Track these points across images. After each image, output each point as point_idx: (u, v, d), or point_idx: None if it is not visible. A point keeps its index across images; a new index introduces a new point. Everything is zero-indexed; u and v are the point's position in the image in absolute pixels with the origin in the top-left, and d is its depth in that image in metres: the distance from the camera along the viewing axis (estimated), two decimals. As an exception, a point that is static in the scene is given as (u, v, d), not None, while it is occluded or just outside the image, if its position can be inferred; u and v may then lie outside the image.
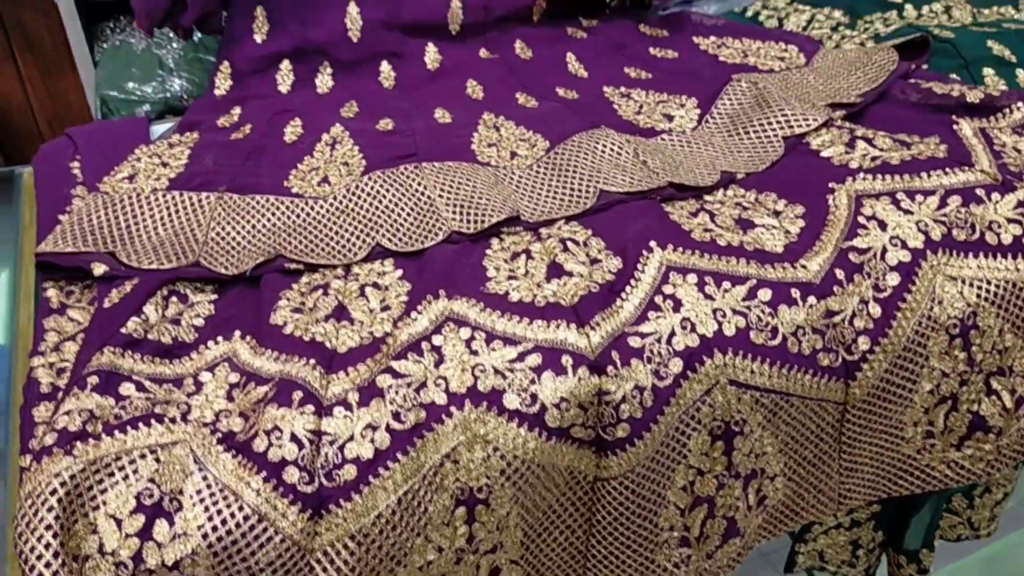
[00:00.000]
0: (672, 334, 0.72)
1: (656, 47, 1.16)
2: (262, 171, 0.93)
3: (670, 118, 1.01)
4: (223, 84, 1.11)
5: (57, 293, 0.80)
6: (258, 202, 0.88)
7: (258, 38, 1.10)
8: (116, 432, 0.65)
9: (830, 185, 0.86)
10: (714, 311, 0.74)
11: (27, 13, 1.94)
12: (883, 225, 0.80)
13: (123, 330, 0.73)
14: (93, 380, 0.68)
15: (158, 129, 1.05)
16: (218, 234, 0.84)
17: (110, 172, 0.93)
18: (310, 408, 0.67)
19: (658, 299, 0.74)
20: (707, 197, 0.88)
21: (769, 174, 0.91)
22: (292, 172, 0.93)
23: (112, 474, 0.63)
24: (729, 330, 0.73)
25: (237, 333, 0.76)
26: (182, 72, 1.66)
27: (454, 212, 0.84)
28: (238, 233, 0.85)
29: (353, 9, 1.09)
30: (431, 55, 1.12)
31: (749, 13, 1.24)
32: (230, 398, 0.70)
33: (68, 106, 2.06)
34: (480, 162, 0.93)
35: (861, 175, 0.86)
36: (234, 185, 0.91)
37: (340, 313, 0.76)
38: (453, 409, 0.68)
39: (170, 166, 0.94)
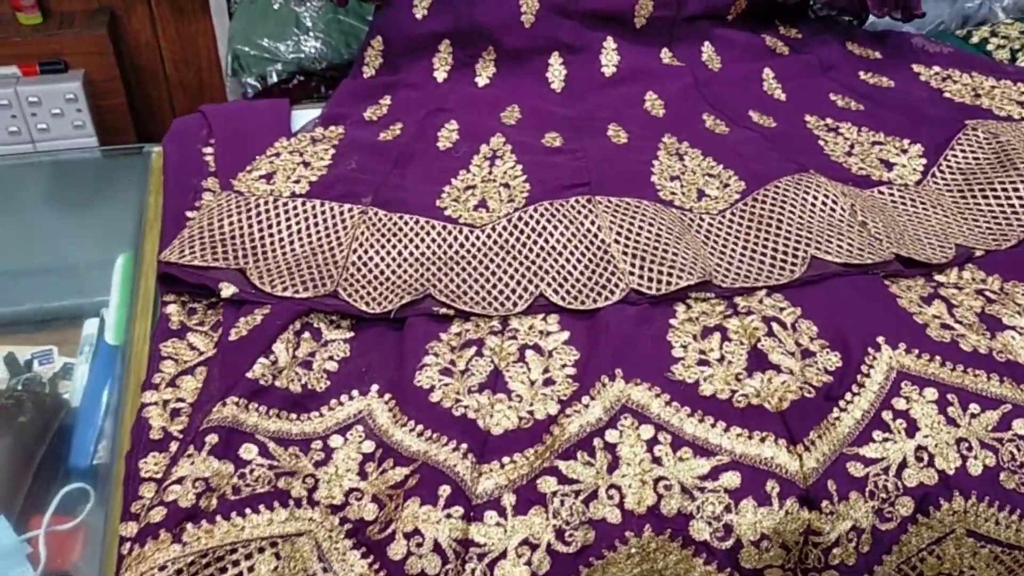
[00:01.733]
0: (903, 465, 0.59)
1: (868, 71, 1.00)
2: (410, 183, 0.82)
3: (889, 166, 0.85)
4: (373, 62, 0.99)
5: (178, 310, 0.71)
6: (407, 223, 0.76)
7: (418, 13, 0.97)
8: (233, 514, 0.55)
9: (1100, 284, 0.70)
10: (958, 441, 0.60)
11: (166, -50, 1.86)
12: None
13: (249, 374, 0.63)
14: (212, 439, 0.58)
15: (300, 115, 0.95)
16: (360, 258, 0.74)
17: (246, 167, 0.83)
18: (458, 511, 0.56)
19: (887, 415, 0.60)
20: (938, 277, 0.73)
21: (1015, 255, 0.75)
22: (445, 188, 0.82)
23: (224, 569, 0.53)
24: (975, 468, 0.59)
25: (375, 388, 0.65)
26: (319, 33, 1.56)
27: (633, 265, 0.71)
28: (383, 259, 0.74)
29: None
30: (608, 54, 0.98)
31: (975, 39, 1.07)
32: (363, 474, 0.60)
33: (196, 51, 1.98)
34: (662, 200, 0.80)
35: None
36: (380, 197, 0.79)
37: (496, 381, 0.64)
38: (628, 533, 0.56)
39: (312, 166, 0.83)
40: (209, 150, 0.86)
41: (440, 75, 0.97)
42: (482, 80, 0.98)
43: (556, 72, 0.97)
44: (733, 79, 0.98)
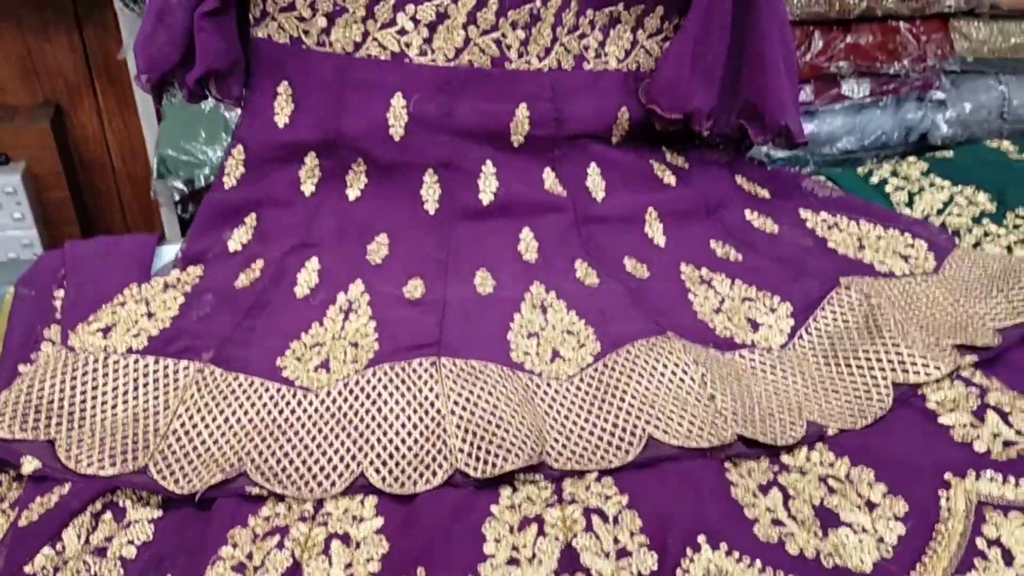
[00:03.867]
0: None
1: (754, 210, 0.98)
2: (257, 337, 0.79)
3: (756, 326, 0.82)
4: (234, 172, 0.94)
5: (-20, 483, 0.67)
6: (240, 385, 0.74)
7: (280, 121, 0.93)
8: None
9: (945, 476, 0.66)
10: None
11: (112, 44, 1.87)
12: (1009, 557, 0.61)
13: (28, 568, 0.60)
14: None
15: (168, 252, 0.93)
16: (183, 425, 0.71)
17: (88, 317, 0.80)
18: None
19: None
20: (785, 458, 0.70)
21: (868, 435, 0.72)
22: (292, 344, 0.79)
23: None
24: None
25: None
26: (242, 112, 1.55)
27: (464, 440, 0.68)
28: (207, 427, 0.71)
29: (398, 101, 0.91)
30: (486, 179, 0.94)
31: (875, 179, 1.04)
32: None
33: (144, 143, 1.98)
34: (513, 362, 0.77)
35: (988, 473, 0.66)
36: (222, 354, 0.77)
37: (292, 579, 0.61)
38: None
39: (156, 317, 0.81)
40: (60, 293, 0.84)
41: (308, 188, 0.93)
42: (353, 192, 0.93)
43: (430, 191, 0.93)
44: (615, 216, 0.95)
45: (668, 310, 0.84)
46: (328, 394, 0.73)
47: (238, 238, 0.91)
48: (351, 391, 0.73)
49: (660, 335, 0.78)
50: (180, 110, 1.59)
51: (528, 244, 0.93)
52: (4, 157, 1.84)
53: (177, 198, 1.63)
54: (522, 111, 0.93)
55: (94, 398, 0.72)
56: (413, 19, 0.89)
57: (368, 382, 0.73)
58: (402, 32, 0.90)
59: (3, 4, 1.81)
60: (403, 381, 0.73)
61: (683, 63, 0.94)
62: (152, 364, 0.75)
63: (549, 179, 0.96)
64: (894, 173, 1.04)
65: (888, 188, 1.02)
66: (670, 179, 1.00)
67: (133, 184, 2.08)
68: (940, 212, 0.97)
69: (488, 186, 0.94)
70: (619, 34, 0.96)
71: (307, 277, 0.87)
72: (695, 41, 0.93)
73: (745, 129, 0.99)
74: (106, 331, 0.79)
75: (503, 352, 0.78)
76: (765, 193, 1.00)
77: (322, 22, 0.89)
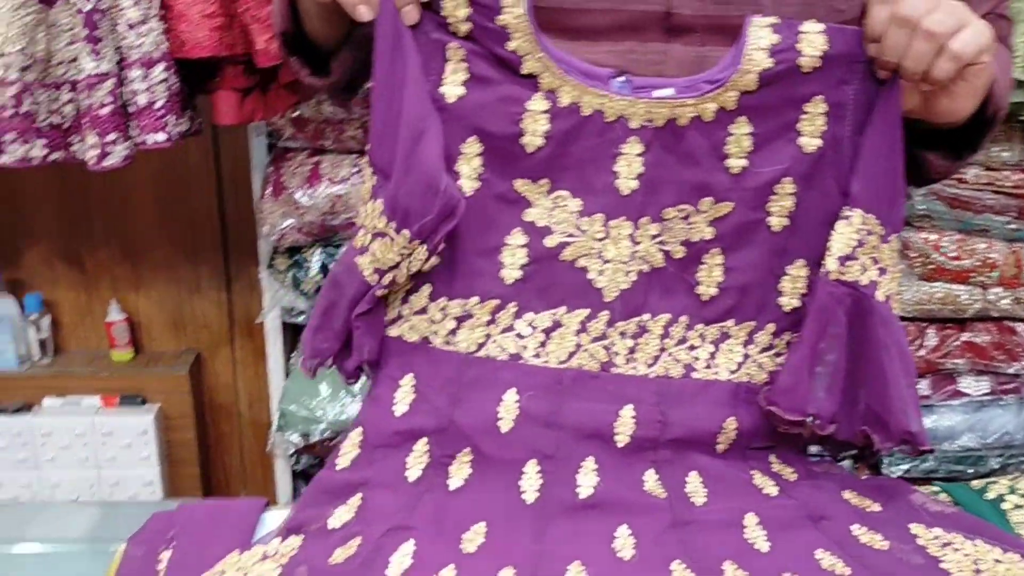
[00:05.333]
0: None
1: (863, 525, 0.94)
2: (344, 619, 0.80)
3: (861, 653, 0.77)
4: (349, 453, 0.98)
5: None
6: (322, 670, 0.73)
7: (398, 409, 0.97)
8: None
9: None
10: None
11: (255, 304, 2.03)
12: None
13: None
14: None
15: (272, 517, 0.96)
16: None
17: (189, 584, 0.83)
18: None
19: None
20: None
21: None
22: (375, 629, 0.79)
23: None
24: None
25: None
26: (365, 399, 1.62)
27: None
28: None
29: (511, 397, 0.95)
30: (586, 474, 0.95)
31: (991, 494, 1.00)
32: None
33: (269, 394, 2.09)
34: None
35: None
36: (307, 636, 0.77)
37: None
38: None
39: (251, 589, 0.83)
40: (167, 554, 0.87)
41: (413, 474, 0.96)
42: (455, 482, 0.95)
43: (531, 481, 0.94)
44: (714, 521, 0.93)
45: (766, 625, 0.80)
46: None
47: (339, 516, 0.93)
48: None
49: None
50: (306, 369, 1.69)
51: (624, 541, 0.91)
52: (141, 399, 1.97)
53: (292, 451, 1.69)
54: (627, 412, 0.96)
55: (180, 672, 0.73)
56: (531, 325, 0.96)
57: None
58: (520, 336, 0.96)
59: (163, 263, 2.02)
60: None
61: (801, 371, 0.95)
62: (240, 641, 0.76)
63: (650, 480, 0.96)
64: (1012, 490, 0.99)
65: (1005, 505, 0.98)
66: (772, 490, 0.98)
67: (255, 429, 2.18)
68: (1065, 538, 0.92)
69: (588, 481, 0.94)
70: (729, 347, 0.98)
71: (400, 560, 0.88)
72: (811, 351, 0.94)
73: (867, 436, 0.97)
74: (202, 600, 0.81)
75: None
76: (876, 507, 0.97)
77: (450, 324, 0.96)
